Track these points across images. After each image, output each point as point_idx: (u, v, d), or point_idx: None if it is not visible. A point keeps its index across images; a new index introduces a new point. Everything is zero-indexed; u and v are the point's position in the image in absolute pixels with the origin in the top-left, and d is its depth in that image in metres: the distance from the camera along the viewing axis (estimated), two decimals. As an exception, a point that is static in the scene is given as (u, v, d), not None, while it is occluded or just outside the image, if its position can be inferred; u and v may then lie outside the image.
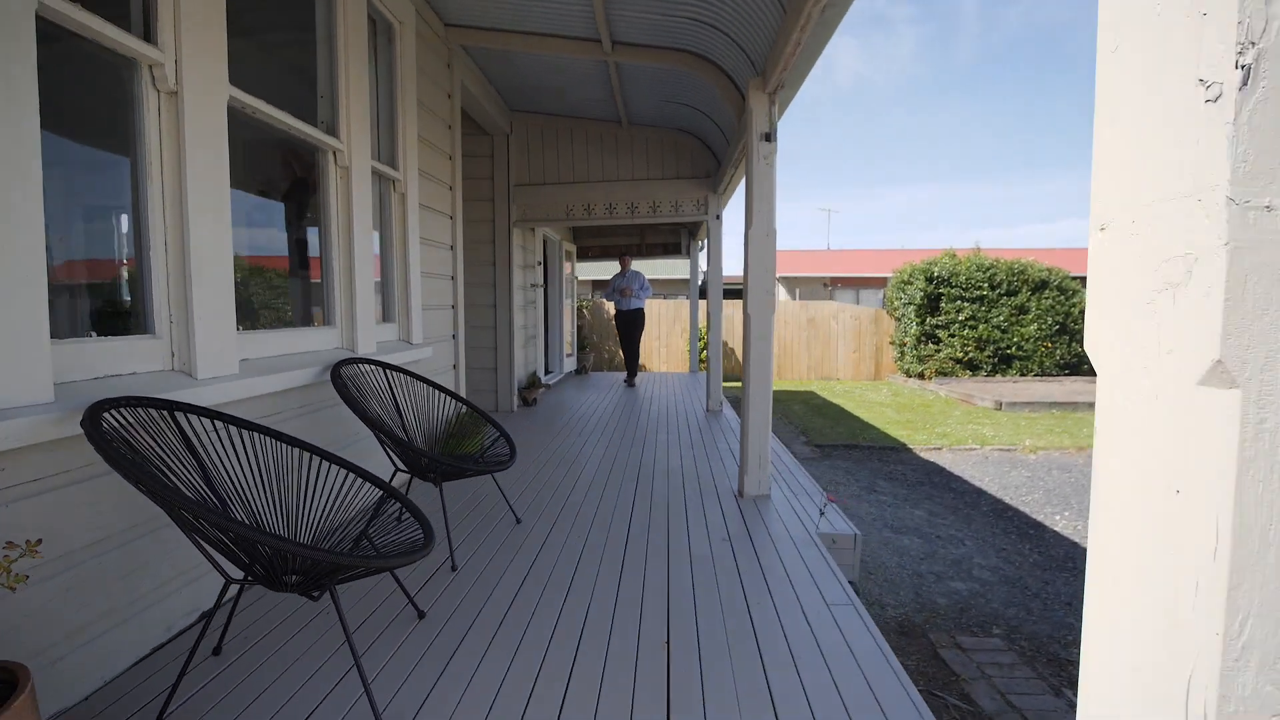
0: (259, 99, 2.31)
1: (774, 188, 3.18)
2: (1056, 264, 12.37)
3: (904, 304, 12.47)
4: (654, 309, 14.10)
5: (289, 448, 1.95)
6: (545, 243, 7.85)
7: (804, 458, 6.53)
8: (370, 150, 3.14)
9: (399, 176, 3.55)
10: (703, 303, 14.27)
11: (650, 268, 17.63)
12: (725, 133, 4.85)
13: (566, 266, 9.42)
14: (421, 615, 2.01)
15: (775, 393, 12.21)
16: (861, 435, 7.59)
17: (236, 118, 2.23)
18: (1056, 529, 4.43)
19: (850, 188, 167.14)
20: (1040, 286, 11.62)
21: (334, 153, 2.89)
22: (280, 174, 3.05)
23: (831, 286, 21.98)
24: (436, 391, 3.01)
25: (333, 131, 2.89)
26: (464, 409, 3.04)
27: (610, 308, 12.24)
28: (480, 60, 4.71)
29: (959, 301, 11.74)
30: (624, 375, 8.63)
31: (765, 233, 3.18)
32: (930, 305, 11.94)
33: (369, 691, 1.47)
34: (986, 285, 11.64)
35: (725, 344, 14.24)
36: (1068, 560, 3.89)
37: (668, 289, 20.94)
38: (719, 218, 5.95)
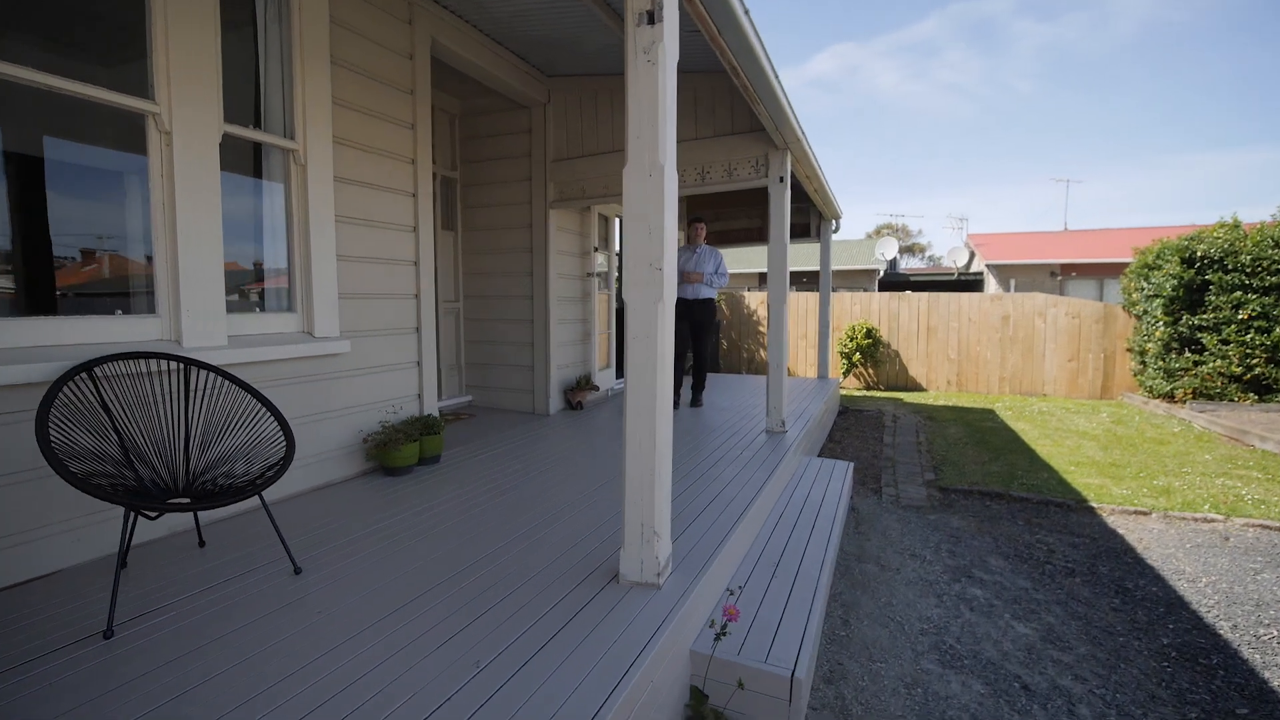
0: (-37, 48, 1.97)
1: (662, 99, 2.00)
2: None
3: (1146, 296, 9.04)
4: (804, 302, 12.39)
5: None
6: (618, 226, 7.07)
7: (909, 504, 4.79)
8: (222, 113, 2.72)
9: (296, 146, 3.12)
10: (876, 294, 12.16)
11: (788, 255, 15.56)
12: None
13: (669, 255, 8.50)
14: (-68, 716, 1.46)
15: (938, 408, 9.78)
16: (1022, 479, 5.44)
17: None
18: (1305, 709, 2.38)
19: (1125, 157, 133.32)
20: (1402, 269, 7.38)
21: (151, 117, 2.52)
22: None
23: (1061, 276, 17.36)
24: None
25: (149, 94, 2.52)
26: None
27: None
28: (463, 13, 4.12)
29: (1238, 292, 8.06)
30: (765, 379, 7.04)
31: (647, 171, 2.03)
32: (1189, 298, 8.44)
33: None
34: (1292, 268, 7.80)
35: (888, 344, 11.96)
36: (1300, 791, 1.98)
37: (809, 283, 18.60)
38: (782, 180, 4.58)
